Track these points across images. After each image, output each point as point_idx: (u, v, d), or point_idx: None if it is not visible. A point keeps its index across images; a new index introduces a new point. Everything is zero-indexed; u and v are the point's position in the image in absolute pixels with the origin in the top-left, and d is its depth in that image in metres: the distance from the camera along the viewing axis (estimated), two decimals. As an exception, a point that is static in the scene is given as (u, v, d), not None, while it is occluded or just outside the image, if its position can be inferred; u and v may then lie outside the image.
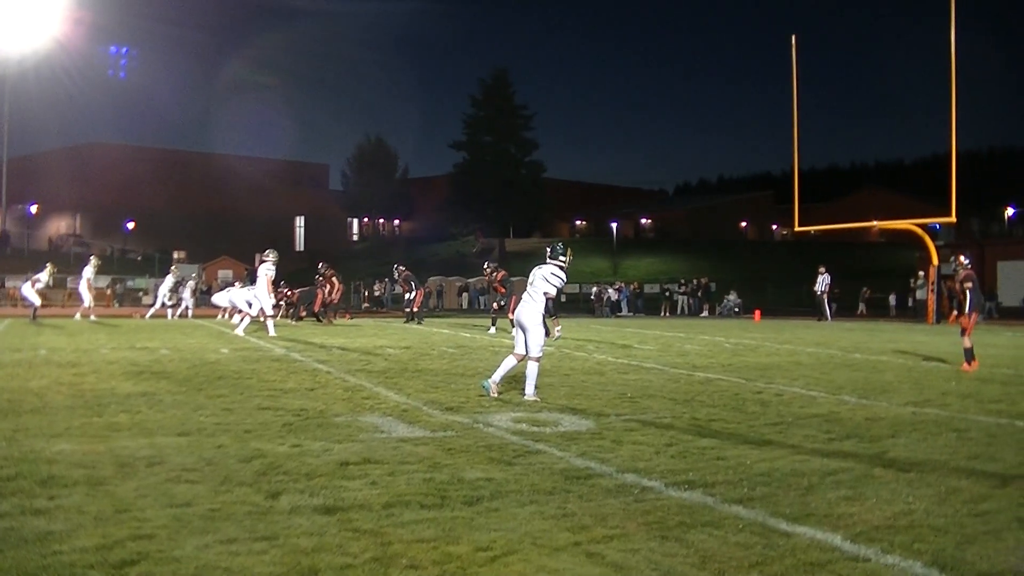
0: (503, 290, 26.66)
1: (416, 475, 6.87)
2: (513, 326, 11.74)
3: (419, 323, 31.84)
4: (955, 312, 18.03)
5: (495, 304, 27.81)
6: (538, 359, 11.44)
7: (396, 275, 35.02)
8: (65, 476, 6.58)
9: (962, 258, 17.20)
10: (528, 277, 11.81)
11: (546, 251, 11.90)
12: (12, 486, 6.26)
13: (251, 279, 31.39)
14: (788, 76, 44.29)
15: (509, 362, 11.56)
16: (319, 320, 31.92)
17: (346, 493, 6.25)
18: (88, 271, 31.16)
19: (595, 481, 6.81)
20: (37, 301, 30.05)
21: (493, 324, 27.07)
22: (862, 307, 52.58)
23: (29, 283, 30.33)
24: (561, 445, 8.24)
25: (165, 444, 7.89)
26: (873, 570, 4.90)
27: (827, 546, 5.26)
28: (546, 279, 11.51)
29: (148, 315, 33.82)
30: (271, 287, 23.61)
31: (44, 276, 30.23)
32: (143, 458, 7.26)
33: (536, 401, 11.11)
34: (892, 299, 52.62)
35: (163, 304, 34.39)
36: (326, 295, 32.60)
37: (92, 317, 30.84)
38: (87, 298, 31.17)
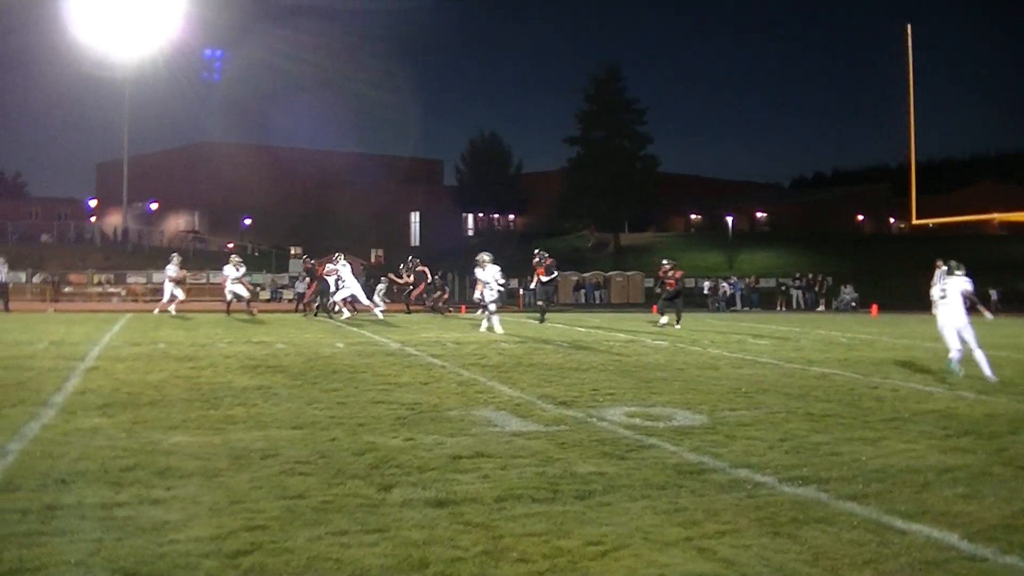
0: (673, 284, 27.88)
1: (528, 469, 6.84)
2: None
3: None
4: None
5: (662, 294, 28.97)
6: (980, 347, 13.23)
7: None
8: (181, 467, 6.70)
9: None
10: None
11: (946, 268, 14.40)
12: (130, 476, 6.39)
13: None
14: (903, 66, 43.17)
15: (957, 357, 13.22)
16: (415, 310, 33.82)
17: (458, 486, 6.25)
18: (229, 270, 29.91)
19: (707, 476, 6.72)
20: (234, 296, 29.51)
21: (662, 314, 27.38)
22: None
23: (230, 278, 29.51)
24: (674, 440, 8.15)
25: (279, 437, 8.00)
26: (990, 570, 4.77)
27: (943, 545, 5.13)
28: (963, 287, 13.44)
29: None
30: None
31: (231, 270, 29.70)
32: (257, 450, 7.36)
33: (992, 380, 12.80)
34: (994, 293, 51.05)
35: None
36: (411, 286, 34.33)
37: (171, 310, 30.26)
38: (180, 293, 30.78)
